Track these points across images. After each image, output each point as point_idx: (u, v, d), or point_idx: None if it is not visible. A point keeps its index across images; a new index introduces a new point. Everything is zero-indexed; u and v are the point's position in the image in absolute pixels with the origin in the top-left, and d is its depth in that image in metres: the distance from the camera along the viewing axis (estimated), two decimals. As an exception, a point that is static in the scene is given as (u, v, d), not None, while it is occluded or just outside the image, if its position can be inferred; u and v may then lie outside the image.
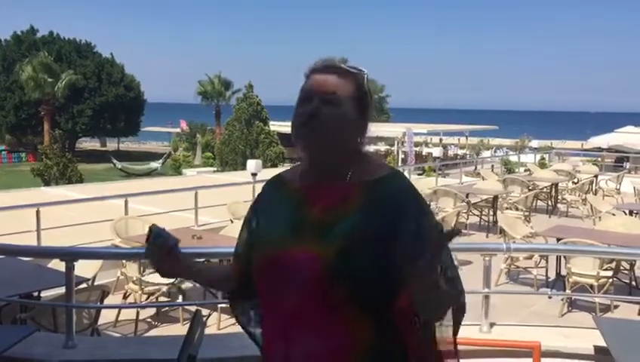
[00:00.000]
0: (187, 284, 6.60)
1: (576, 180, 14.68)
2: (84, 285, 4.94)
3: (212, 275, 1.75)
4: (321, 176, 1.45)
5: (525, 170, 17.48)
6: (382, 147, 33.54)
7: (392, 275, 1.32)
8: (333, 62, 1.48)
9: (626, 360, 2.37)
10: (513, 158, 22.68)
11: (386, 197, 1.38)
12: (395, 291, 1.33)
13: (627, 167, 20.78)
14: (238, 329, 5.62)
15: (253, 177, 10.80)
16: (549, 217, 12.20)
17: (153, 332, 5.89)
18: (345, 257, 1.33)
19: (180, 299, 6.25)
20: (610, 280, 6.34)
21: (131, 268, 6.05)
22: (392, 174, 1.45)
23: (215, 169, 27.70)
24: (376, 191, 1.39)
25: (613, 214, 9.28)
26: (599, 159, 21.97)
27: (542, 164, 19.60)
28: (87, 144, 46.59)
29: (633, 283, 6.96)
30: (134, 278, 5.99)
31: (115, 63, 40.52)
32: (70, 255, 3.21)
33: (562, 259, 6.71)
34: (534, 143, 30.53)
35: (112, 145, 45.59)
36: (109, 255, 5.05)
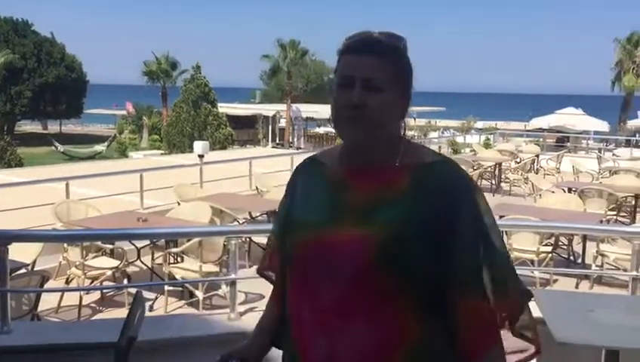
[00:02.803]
0: (133, 268, 6.50)
1: (518, 160, 15.08)
2: (23, 270, 4.79)
3: (269, 316, 1.59)
4: (365, 158, 1.33)
5: (470, 151, 17.86)
6: (332, 129, 33.52)
7: (445, 269, 1.25)
8: (369, 35, 1.32)
9: (560, 328, 2.46)
10: (459, 139, 23.14)
11: (438, 185, 1.27)
12: (450, 287, 1.26)
13: (567, 146, 21.53)
14: (183, 310, 5.59)
15: (200, 159, 10.66)
16: (493, 196, 12.51)
17: (98, 317, 5.77)
18: (394, 244, 1.23)
19: (125, 283, 6.14)
20: (550, 255, 6.57)
21: (73, 253, 5.88)
22: (444, 161, 1.33)
23: (162, 152, 27.20)
24: (427, 176, 1.29)
25: (553, 192, 9.59)
26: (541, 140, 22.64)
27: (486, 145, 20.05)
28: (28, 127, 44.86)
29: (571, 257, 7.24)
30: (77, 263, 5.83)
31: (56, 43, 39.09)
32: (3, 238, 3.08)
33: (504, 235, 6.91)
34: (479, 124, 31.26)
35: (53, 127, 44.03)
36: (47, 237, 4.67)
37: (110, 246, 6.26)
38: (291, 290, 1.38)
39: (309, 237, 1.32)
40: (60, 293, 5.73)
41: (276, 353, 1.52)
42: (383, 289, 1.24)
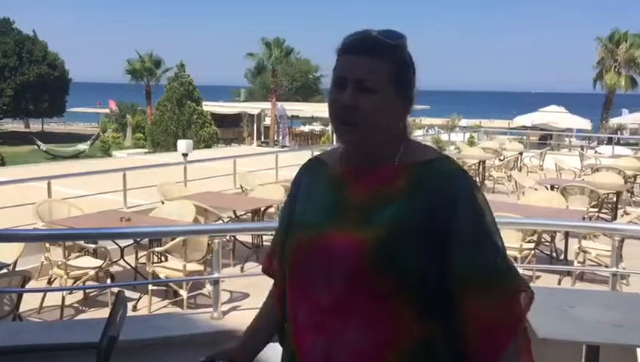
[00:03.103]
0: (116, 267, 6.46)
1: (502, 157, 15.18)
2: (4, 271, 4.73)
3: (264, 315, 1.58)
4: (365, 158, 1.33)
5: (455, 149, 17.96)
6: (317, 127, 33.63)
7: (445, 268, 1.23)
8: (366, 35, 1.30)
9: (541, 324, 2.48)
10: (444, 137, 23.26)
11: (437, 183, 1.26)
12: (449, 288, 1.23)
13: (550, 144, 21.73)
14: (167, 310, 5.55)
15: (184, 158, 10.61)
16: (477, 193, 12.57)
17: (81, 317, 5.72)
18: (390, 244, 1.22)
19: (108, 282, 6.09)
20: (533, 251, 6.63)
21: (56, 253, 5.83)
22: (442, 158, 1.32)
23: (146, 150, 27.02)
24: (425, 175, 1.27)
25: (536, 189, 9.67)
26: (524, 137, 22.82)
27: (471, 142, 20.19)
28: (9, 126, 44.34)
29: (554, 254, 7.31)
30: (59, 263, 5.78)
31: (37, 41, 38.68)
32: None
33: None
34: (464, 122, 31.43)
35: (36, 126, 43.59)
36: (28, 237, 4.56)
37: (93, 246, 6.21)
38: (290, 290, 1.37)
39: (307, 237, 1.32)
40: (42, 294, 5.68)
41: (269, 354, 1.51)
42: (381, 289, 1.23)
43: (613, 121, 30.28)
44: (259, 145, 29.43)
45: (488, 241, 1.25)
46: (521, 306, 1.26)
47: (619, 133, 28.54)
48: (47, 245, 5.81)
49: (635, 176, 12.49)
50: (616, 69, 31.39)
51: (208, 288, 5.47)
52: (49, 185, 8.07)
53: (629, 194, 10.77)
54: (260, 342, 1.52)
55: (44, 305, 5.64)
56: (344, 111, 1.28)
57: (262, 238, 7.67)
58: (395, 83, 1.29)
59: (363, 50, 1.28)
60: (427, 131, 31.83)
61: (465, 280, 1.23)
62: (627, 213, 8.81)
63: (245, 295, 5.84)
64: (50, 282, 6.07)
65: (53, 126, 45.94)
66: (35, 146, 30.56)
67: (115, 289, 4.71)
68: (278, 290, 1.49)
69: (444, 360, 1.26)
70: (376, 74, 1.26)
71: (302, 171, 1.47)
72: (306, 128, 34.49)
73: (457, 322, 1.24)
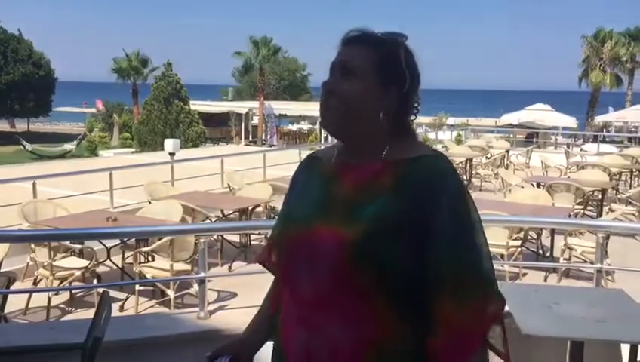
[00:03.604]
0: (103, 268, 6.42)
1: (489, 155, 15.26)
2: (-12, 272, 4.69)
3: (264, 310, 1.58)
4: (355, 154, 1.34)
5: (442, 147, 18.02)
6: (305, 126, 33.62)
7: (425, 267, 1.22)
8: (361, 31, 1.34)
9: (526, 321, 2.50)
10: (431, 135, 23.32)
11: (421, 180, 1.25)
12: (428, 286, 1.23)
13: (536, 142, 21.87)
14: (154, 310, 5.52)
15: (171, 157, 10.57)
16: (464, 191, 12.63)
17: (67, 318, 5.68)
18: (372, 240, 1.22)
19: (95, 283, 6.05)
20: (519, 249, 6.67)
21: (41, 253, 5.78)
22: (431, 155, 1.30)
23: (133, 150, 26.88)
24: (412, 171, 1.27)
25: (522, 187, 9.72)
26: (511, 135, 22.96)
27: (458, 141, 20.27)
28: (-6, 125, 43.94)
29: (540, 251, 7.36)
30: (45, 263, 5.74)
31: (23, 40, 38.26)
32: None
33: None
34: (451, 121, 31.55)
35: (21, 126, 43.17)
36: (13, 237, 4.47)
37: (79, 247, 6.17)
38: (282, 284, 1.39)
39: (295, 231, 1.33)
40: (27, 295, 5.63)
41: (269, 350, 1.50)
42: (362, 284, 1.23)
43: (599, 119, 30.52)
44: (247, 145, 29.36)
45: (471, 242, 1.25)
46: (491, 315, 1.25)
47: (604, 130, 28.78)
48: (33, 246, 5.76)
49: (620, 174, 12.62)
50: (601, 67, 31.70)
51: (196, 288, 5.45)
52: (34, 185, 8.01)
53: (614, 192, 10.87)
54: (261, 337, 1.52)
55: (29, 306, 5.59)
56: (325, 96, 1.32)
57: (250, 237, 7.65)
58: (378, 72, 1.30)
59: (352, 40, 1.34)
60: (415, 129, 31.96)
61: (443, 279, 1.22)
62: (612, 210, 8.90)
63: (233, 294, 5.82)
64: (35, 283, 6.03)
65: (39, 126, 45.53)
66: (21, 146, 30.26)
67: (102, 290, 4.68)
68: (276, 285, 1.51)
69: (424, 360, 1.25)
70: (359, 58, 1.31)
71: (299, 168, 1.50)
72: (294, 127, 34.46)
73: (433, 323, 1.23)
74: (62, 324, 4.58)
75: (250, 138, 32.32)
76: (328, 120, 1.33)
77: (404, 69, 1.31)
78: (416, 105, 1.37)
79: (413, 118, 1.39)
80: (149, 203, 7.89)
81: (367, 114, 1.30)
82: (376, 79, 1.29)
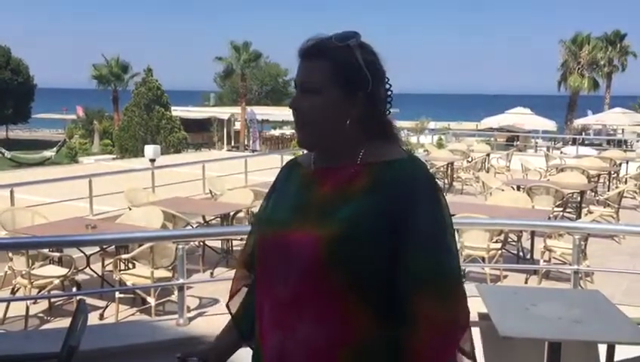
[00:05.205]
0: (83, 276, 6.34)
1: (470, 159, 15.36)
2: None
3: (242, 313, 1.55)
4: (332, 159, 1.36)
5: (424, 151, 18.11)
6: (287, 131, 33.59)
7: (398, 270, 1.24)
8: (312, 40, 1.35)
9: (503, 323, 2.52)
10: (413, 140, 23.43)
11: (395, 183, 1.27)
12: (402, 287, 1.24)
13: (516, 145, 22.07)
14: (135, 318, 5.46)
15: (151, 163, 10.49)
16: (445, 195, 12.71)
17: (45, 327, 5.60)
18: (345, 242, 1.23)
19: (74, 291, 5.98)
20: (500, 251, 6.72)
21: (19, 262, 5.70)
22: (406, 159, 1.32)
23: (114, 156, 26.67)
24: (386, 174, 1.28)
25: (503, 190, 9.80)
26: (492, 139, 23.13)
27: (439, 145, 20.37)
28: (-28, 133, 43.29)
29: (520, 253, 7.42)
30: (23, 272, 5.65)
31: (0, 46, 37.82)
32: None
33: (456, 233, 7.02)
34: (432, 125, 31.73)
35: (0, 133, 42.63)
36: None
37: (58, 254, 6.09)
38: (258, 287, 1.40)
39: (270, 234, 1.35)
40: (5, 304, 5.55)
41: (243, 354, 1.50)
42: (335, 286, 1.24)
43: (578, 122, 30.89)
44: (229, 150, 29.25)
45: (445, 243, 1.27)
46: (466, 314, 1.28)
47: (583, 133, 29.12)
48: (10, 254, 5.67)
49: (598, 176, 12.77)
50: (579, 71, 32.08)
51: (177, 295, 5.41)
52: (12, 192, 7.91)
53: (593, 194, 11.00)
54: (234, 341, 1.52)
55: (7, 315, 5.51)
56: (293, 114, 1.36)
57: (231, 243, 7.61)
58: (338, 83, 1.31)
59: (306, 54, 1.35)
60: (397, 134, 32.09)
61: (416, 280, 1.24)
62: (591, 212, 8.99)
63: (214, 300, 5.78)
64: (13, 292, 5.93)
65: (18, 133, 44.93)
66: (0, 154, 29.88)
67: (79, 298, 4.63)
68: (252, 287, 1.50)
69: (398, 360, 1.26)
70: (313, 76, 1.32)
71: (280, 173, 1.51)
72: (277, 132, 34.40)
73: (407, 327, 1.24)
74: (37, 333, 4.53)
75: (233, 143, 32.21)
76: (301, 139, 1.37)
77: (365, 71, 1.31)
78: (388, 95, 1.38)
79: (388, 110, 1.39)
80: (130, 209, 7.81)
81: (335, 125, 1.33)
82: (338, 92, 1.31)
